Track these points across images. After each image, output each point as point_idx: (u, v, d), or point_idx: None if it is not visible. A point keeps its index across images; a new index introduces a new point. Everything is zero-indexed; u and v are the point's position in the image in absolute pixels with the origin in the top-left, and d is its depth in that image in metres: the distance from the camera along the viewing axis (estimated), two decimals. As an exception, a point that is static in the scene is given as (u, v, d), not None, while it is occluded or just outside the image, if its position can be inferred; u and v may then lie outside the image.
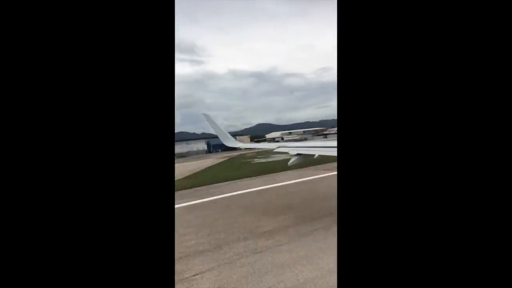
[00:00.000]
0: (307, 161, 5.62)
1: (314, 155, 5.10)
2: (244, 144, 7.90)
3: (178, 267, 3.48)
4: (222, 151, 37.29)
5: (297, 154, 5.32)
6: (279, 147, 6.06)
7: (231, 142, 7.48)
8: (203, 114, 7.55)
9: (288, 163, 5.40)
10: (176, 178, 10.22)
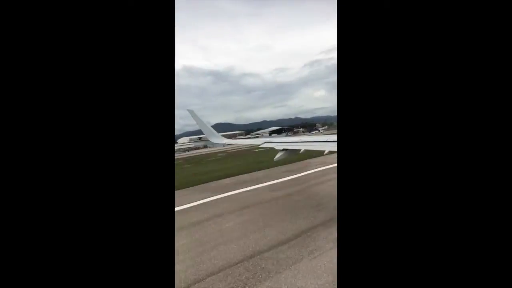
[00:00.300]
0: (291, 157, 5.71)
1: (300, 150, 5.19)
2: (229, 140, 7.87)
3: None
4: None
5: (283, 149, 5.39)
6: (265, 142, 6.10)
7: (216, 138, 7.43)
8: (188, 110, 7.43)
9: (275, 158, 5.45)
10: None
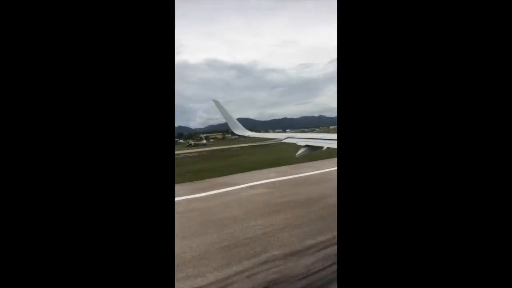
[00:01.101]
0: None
1: (322, 147, 5.09)
2: (252, 133, 7.91)
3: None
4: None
5: (306, 146, 5.32)
6: (288, 137, 6.06)
7: (239, 130, 7.51)
8: (213, 100, 7.56)
9: (296, 154, 5.41)
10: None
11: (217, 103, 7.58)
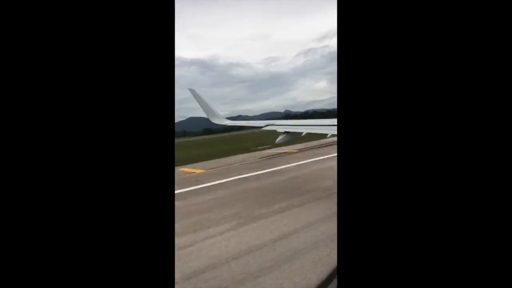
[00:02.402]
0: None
1: (301, 132, 5.11)
2: (231, 121, 7.77)
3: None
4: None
5: (285, 132, 5.31)
6: (267, 125, 6.02)
7: (217, 119, 7.34)
8: (189, 89, 7.30)
9: (276, 140, 5.40)
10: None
11: (193, 92, 7.36)
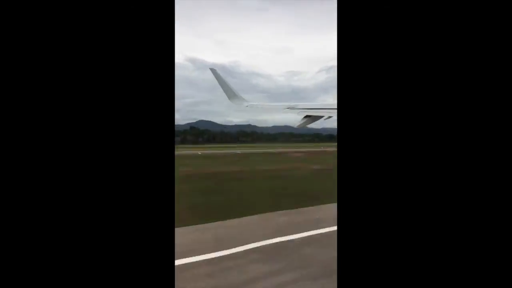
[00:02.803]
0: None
1: (323, 116, 4.88)
2: (251, 103, 7.63)
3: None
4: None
5: (306, 116, 5.11)
6: (287, 107, 5.83)
7: (237, 100, 7.23)
8: (210, 68, 7.20)
9: (297, 125, 5.22)
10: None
11: (214, 71, 7.26)
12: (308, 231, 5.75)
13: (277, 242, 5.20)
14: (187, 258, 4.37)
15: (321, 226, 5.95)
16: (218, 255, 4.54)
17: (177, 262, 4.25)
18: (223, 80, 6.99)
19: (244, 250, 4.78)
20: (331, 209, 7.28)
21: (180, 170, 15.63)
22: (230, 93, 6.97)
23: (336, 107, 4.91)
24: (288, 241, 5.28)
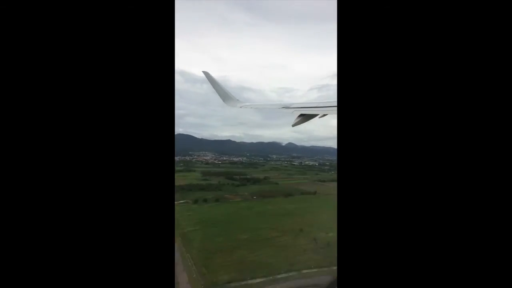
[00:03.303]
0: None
1: (317, 114, 4.97)
2: (245, 103, 7.70)
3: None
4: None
5: (301, 115, 5.19)
6: (283, 107, 5.92)
7: (231, 101, 7.29)
8: (203, 71, 7.24)
9: (292, 123, 5.31)
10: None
11: (207, 74, 7.28)
12: None
13: None
14: None
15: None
16: None
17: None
18: (216, 83, 7.04)
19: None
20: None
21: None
22: (224, 95, 7.02)
23: (329, 105, 5.04)
24: None
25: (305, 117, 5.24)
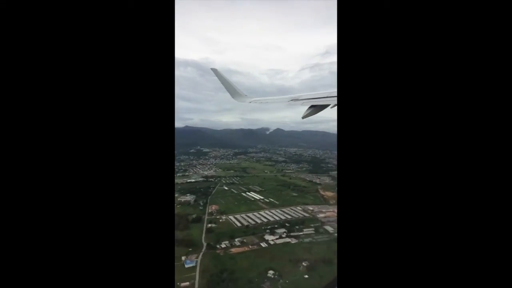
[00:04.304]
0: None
1: (329, 104, 4.86)
2: (254, 98, 7.66)
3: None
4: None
5: (311, 106, 5.11)
6: (292, 99, 5.85)
7: (240, 97, 7.27)
8: (211, 69, 7.25)
9: (302, 116, 5.24)
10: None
11: (215, 71, 7.30)
12: None
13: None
14: None
15: None
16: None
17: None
18: (225, 79, 7.03)
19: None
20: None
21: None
22: (233, 91, 7.01)
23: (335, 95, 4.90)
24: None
25: (316, 109, 5.14)
